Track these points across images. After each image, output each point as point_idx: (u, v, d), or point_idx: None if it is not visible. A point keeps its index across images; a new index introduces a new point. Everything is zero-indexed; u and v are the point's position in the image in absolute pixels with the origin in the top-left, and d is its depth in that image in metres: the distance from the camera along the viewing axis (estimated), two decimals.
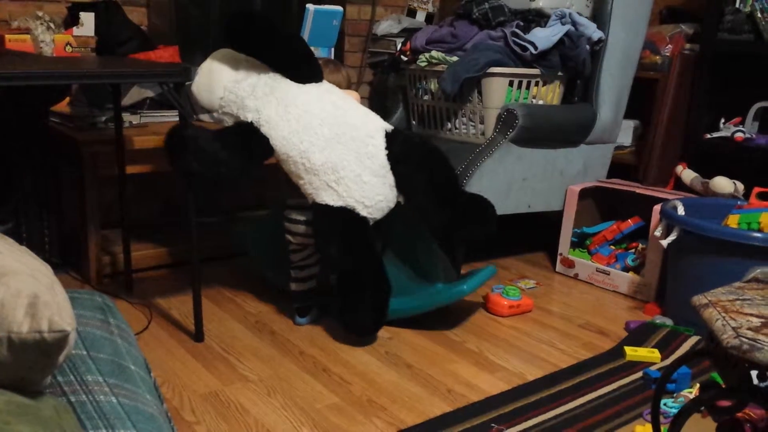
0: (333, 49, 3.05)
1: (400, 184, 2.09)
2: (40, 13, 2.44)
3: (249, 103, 2.02)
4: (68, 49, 2.33)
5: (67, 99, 2.57)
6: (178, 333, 2.12)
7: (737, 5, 2.84)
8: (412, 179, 2.09)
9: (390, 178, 2.07)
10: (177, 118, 1.95)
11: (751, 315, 1.23)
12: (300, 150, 2.00)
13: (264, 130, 2.01)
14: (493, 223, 2.16)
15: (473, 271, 2.24)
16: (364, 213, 2.03)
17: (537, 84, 2.67)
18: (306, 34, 2.96)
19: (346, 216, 2.03)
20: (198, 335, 2.07)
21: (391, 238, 2.25)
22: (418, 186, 2.09)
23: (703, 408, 1.59)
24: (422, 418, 1.72)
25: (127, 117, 2.51)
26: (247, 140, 2.03)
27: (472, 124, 2.71)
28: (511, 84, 2.61)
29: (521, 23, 2.69)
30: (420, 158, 2.10)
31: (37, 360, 0.81)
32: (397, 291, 2.19)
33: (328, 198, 2.02)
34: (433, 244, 2.25)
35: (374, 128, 2.09)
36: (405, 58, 2.91)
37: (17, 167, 2.36)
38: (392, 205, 2.11)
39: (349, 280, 2.07)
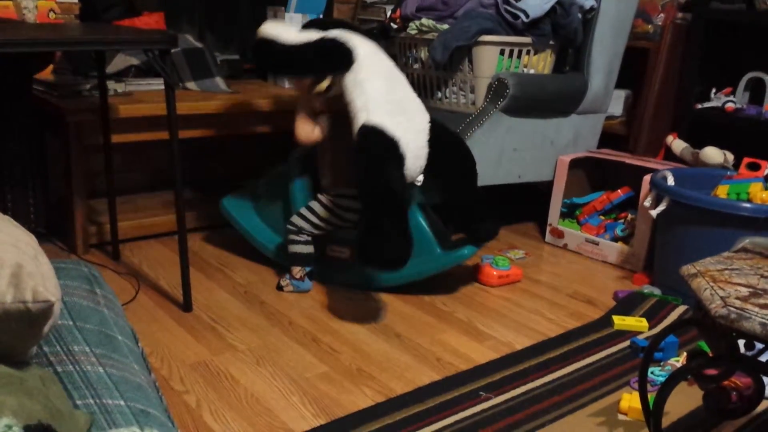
0: (321, 16, 3.01)
1: (431, 167, 2.14)
2: None
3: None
4: (51, 15, 2.29)
5: (51, 67, 2.53)
6: (166, 303, 2.12)
7: None
8: (443, 164, 2.16)
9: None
10: (162, 87, 1.92)
11: (740, 285, 1.24)
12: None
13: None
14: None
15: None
16: (406, 163, 2.05)
17: (528, 53, 2.64)
18: (294, 1, 2.92)
19: (396, 149, 2.02)
20: (186, 305, 2.07)
21: None
22: (448, 172, 2.17)
23: (689, 376, 1.60)
24: (411, 386, 1.73)
25: (111, 85, 2.48)
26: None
27: (463, 93, 2.69)
28: (502, 53, 2.58)
29: None
30: (449, 145, 2.18)
31: (21, 330, 0.80)
32: None
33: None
34: (425, 213, 2.25)
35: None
36: (395, 26, 2.88)
37: (1, 136, 2.32)
38: (417, 181, 2.15)
39: (379, 209, 1.99)
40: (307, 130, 2.18)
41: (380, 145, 2.00)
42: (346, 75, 2.06)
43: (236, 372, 1.76)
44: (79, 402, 0.91)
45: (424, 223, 2.22)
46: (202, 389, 1.67)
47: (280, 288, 2.26)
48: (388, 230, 1.96)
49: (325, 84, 2.10)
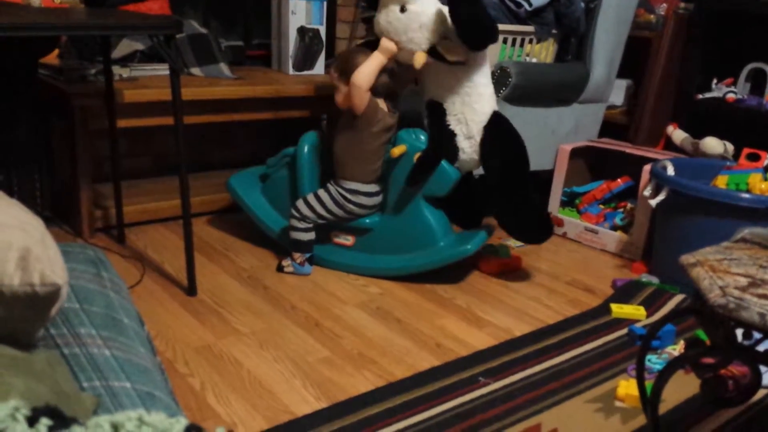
0: (325, 3, 3.02)
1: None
2: None
3: None
4: (57, 0, 2.30)
5: (56, 51, 2.54)
6: (171, 287, 2.14)
7: None
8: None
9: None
10: (167, 72, 1.93)
11: (738, 274, 1.25)
12: None
13: None
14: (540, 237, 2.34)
15: (473, 232, 2.27)
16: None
17: (531, 42, 2.65)
18: None
19: None
20: (191, 289, 2.09)
21: (388, 202, 2.28)
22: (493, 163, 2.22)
23: (686, 364, 1.62)
24: (411, 371, 1.75)
25: (116, 70, 2.48)
26: None
27: None
28: (505, 41, 2.59)
29: None
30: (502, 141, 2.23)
31: (28, 313, 0.80)
32: (400, 249, 2.24)
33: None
34: (430, 207, 2.26)
35: None
36: None
37: (7, 120, 2.34)
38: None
39: (526, 187, 2.26)
40: (369, 80, 2.10)
41: (516, 131, 2.20)
42: (478, 54, 2.13)
43: (240, 355, 1.78)
44: (85, 384, 0.91)
45: (429, 216, 2.23)
46: (206, 372, 1.69)
47: (280, 268, 2.28)
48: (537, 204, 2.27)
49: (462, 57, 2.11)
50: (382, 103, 2.18)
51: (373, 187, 2.24)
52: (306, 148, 2.30)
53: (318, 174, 2.32)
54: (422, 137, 2.21)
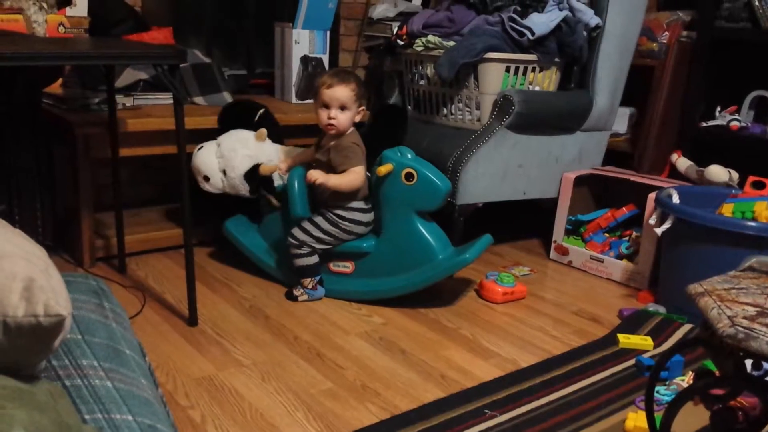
0: (328, 33, 3.04)
1: None
2: None
3: None
4: (61, 29, 2.31)
5: (60, 80, 2.55)
6: (172, 317, 2.12)
7: None
8: None
9: None
10: (170, 101, 1.93)
11: (747, 304, 1.24)
12: None
13: None
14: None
15: (471, 243, 2.26)
16: None
17: (534, 70, 2.65)
18: (301, 17, 2.94)
19: None
20: (192, 319, 2.07)
21: (381, 224, 2.27)
22: None
23: (696, 395, 1.59)
24: (416, 403, 1.72)
25: (120, 99, 2.49)
26: None
27: (468, 110, 2.70)
28: (507, 70, 2.59)
29: (518, 8, 2.67)
30: None
31: (32, 344, 0.80)
32: (401, 269, 2.23)
33: None
34: (424, 222, 2.24)
35: None
36: (401, 43, 2.89)
37: (10, 149, 2.33)
38: None
39: None
40: (345, 180, 2.21)
41: None
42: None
43: (241, 387, 1.75)
44: (87, 416, 0.90)
45: (423, 231, 2.22)
46: (207, 404, 1.67)
47: (294, 298, 2.26)
48: None
49: None
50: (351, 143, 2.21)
51: (366, 203, 2.25)
52: (296, 182, 2.28)
53: (310, 206, 2.30)
54: (409, 155, 2.22)
